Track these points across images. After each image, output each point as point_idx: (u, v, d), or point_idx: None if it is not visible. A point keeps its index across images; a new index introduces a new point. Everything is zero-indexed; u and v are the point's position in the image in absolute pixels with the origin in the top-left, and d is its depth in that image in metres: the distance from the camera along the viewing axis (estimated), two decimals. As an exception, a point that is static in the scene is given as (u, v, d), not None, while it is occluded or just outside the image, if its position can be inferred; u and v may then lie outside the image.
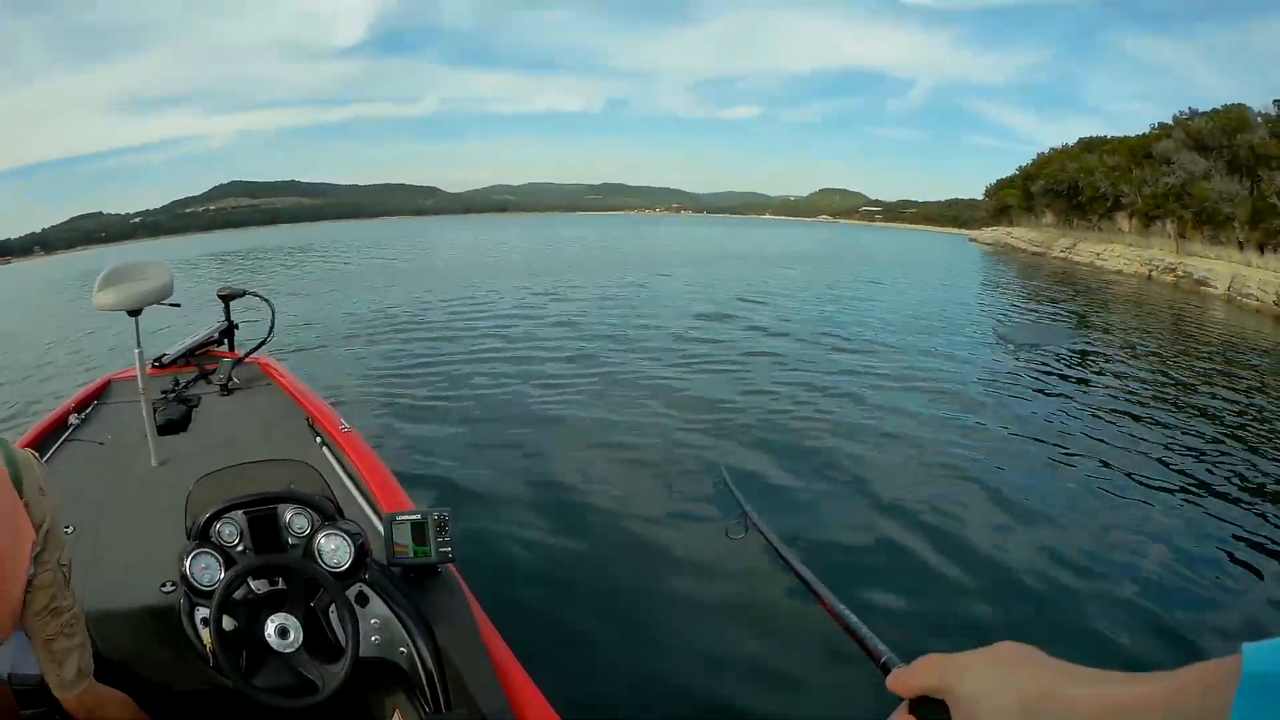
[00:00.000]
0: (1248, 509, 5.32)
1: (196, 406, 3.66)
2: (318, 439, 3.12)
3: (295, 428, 3.30)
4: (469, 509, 4.53)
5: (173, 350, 4.37)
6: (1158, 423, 7.73)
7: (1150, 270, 34.78)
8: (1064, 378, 9.86)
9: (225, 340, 4.63)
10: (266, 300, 4.66)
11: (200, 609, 1.72)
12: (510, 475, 5.27)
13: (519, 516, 4.61)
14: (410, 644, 1.79)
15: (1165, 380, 10.29)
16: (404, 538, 1.97)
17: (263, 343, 4.42)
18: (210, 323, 4.69)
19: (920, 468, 5.84)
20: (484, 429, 6.41)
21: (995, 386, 9.05)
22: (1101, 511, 5.19)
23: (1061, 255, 44.35)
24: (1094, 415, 7.86)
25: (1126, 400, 8.74)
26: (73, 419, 3.49)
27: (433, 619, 1.84)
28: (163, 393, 3.71)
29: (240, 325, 4.70)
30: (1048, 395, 8.75)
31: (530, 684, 1.81)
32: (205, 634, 1.68)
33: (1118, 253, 38.86)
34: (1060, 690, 0.43)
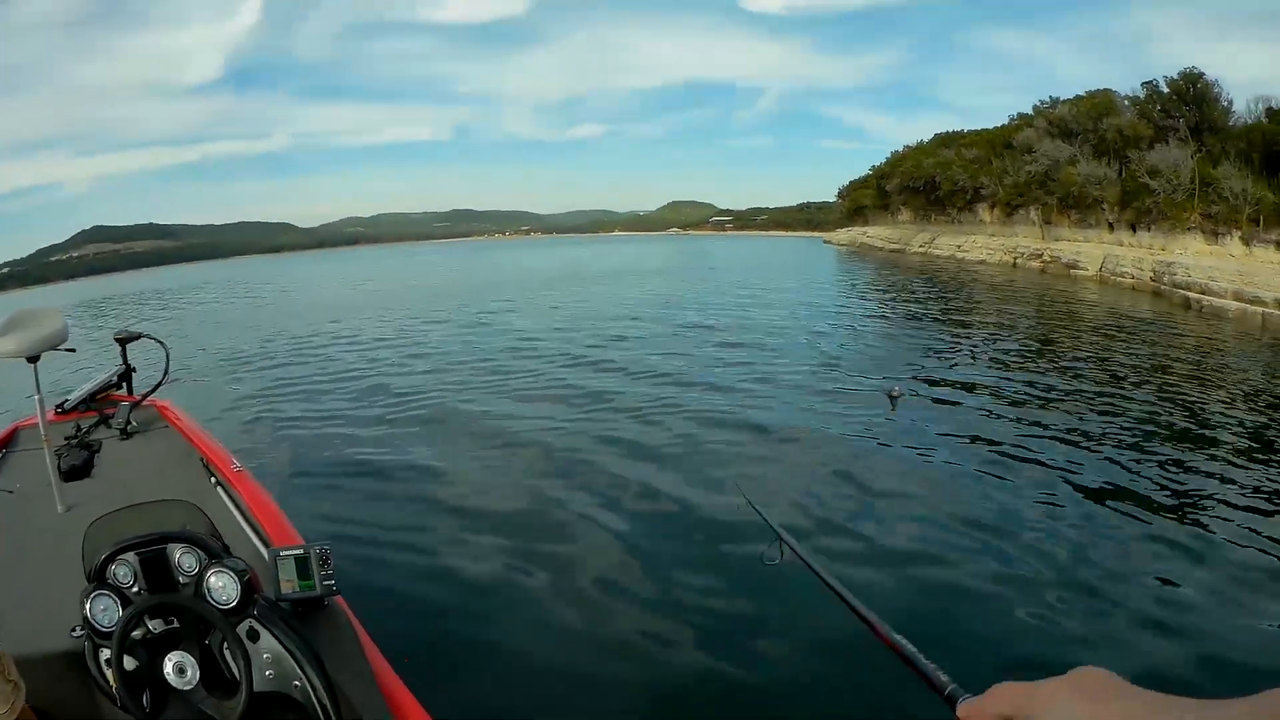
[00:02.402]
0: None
1: (99, 451, 3.71)
2: (212, 479, 3.20)
3: (191, 469, 3.39)
4: (362, 540, 4.69)
5: (74, 395, 4.36)
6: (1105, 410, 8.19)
7: (1015, 258, 35.37)
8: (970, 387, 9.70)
9: (124, 384, 4.60)
10: (161, 342, 4.47)
11: (104, 650, 1.75)
12: (403, 505, 5.40)
13: (413, 545, 4.68)
14: (303, 676, 1.79)
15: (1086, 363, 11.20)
16: (289, 573, 2.00)
17: (158, 385, 4.39)
18: (109, 367, 4.74)
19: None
20: (371, 460, 6.58)
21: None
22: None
23: (920, 250, 44.98)
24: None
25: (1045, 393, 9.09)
26: None
27: (322, 651, 1.86)
28: (65, 439, 3.75)
29: (137, 368, 4.64)
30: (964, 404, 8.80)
31: (418, 708, 1.92)
32: (110, 674, 1.72)
33: (980, 244, 39.56)
34: None
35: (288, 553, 2.01)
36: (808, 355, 11.82)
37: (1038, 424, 7.56)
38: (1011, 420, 7.73)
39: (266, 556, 2.27)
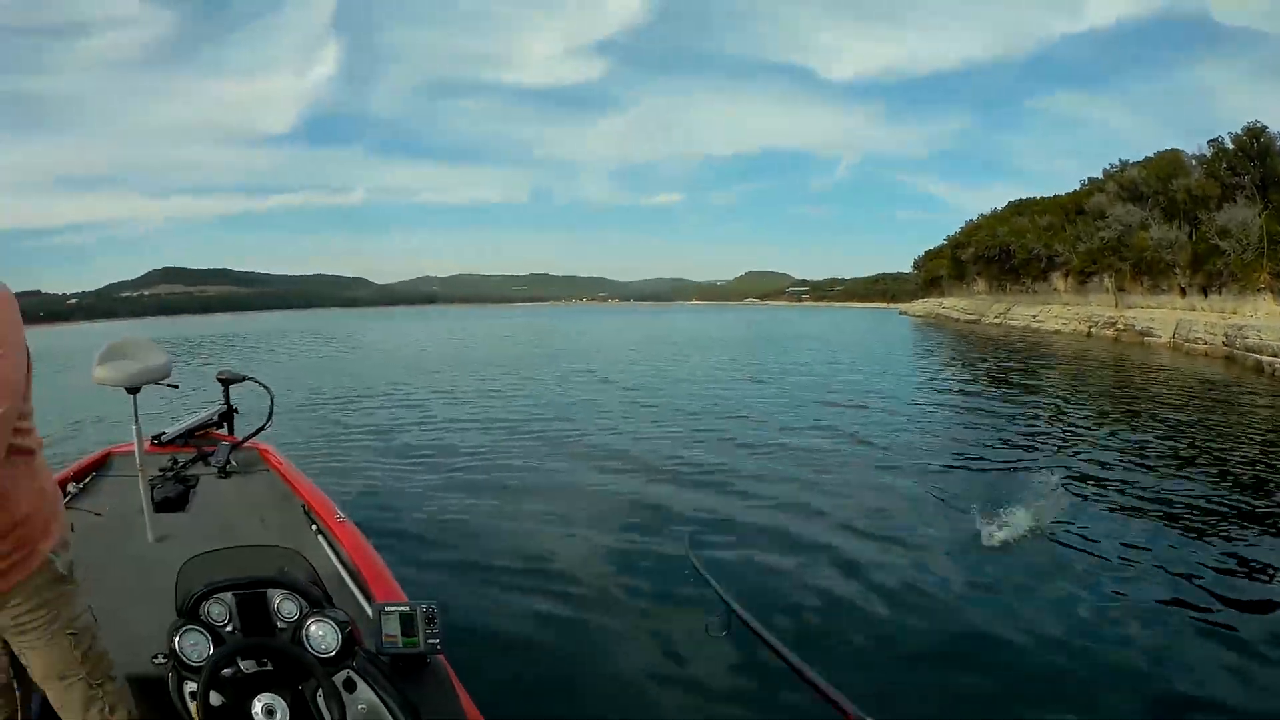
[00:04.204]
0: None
1: (194, 487, 3.73)
2: (313, 526, 3.18)
3: (291, 514, 3.37)
4: (463, 598, 4.68)
5: (171, 430, 4.31)
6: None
7: (1089, 327, 33.60)
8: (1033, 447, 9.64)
9: (224, 424, 4.56)
10: (266, 387, 4.51)
11: (189, 683, 1.77)
12: (509, 565, 5.33)
13: (514, 608, 4.62)
14: None
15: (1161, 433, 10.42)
16: (393, 628, 2.01)
17: (261, 428, 4.36)
18: (208, 406, 4.68)
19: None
20: (476, 517, 6.56)
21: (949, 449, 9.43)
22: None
23: (996, 321, 43.37)
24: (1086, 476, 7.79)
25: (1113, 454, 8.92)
26: (71, 487, 3.58)
27: (421, 707, 1.86)
28: (160, 470, 3.75)
29: (239, 410, 4.61)
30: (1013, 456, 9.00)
31: None
32: (193, 707, 1.74)
33: (1055, 313, 37.83)
34: None
35: (393, 608, 2.02)
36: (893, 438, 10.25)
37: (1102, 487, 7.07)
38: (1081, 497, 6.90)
39: (368, 609, 2.34)
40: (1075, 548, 5.51)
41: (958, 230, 57.06)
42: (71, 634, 1.64)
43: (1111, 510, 6.57)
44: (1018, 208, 47.66)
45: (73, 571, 1.66)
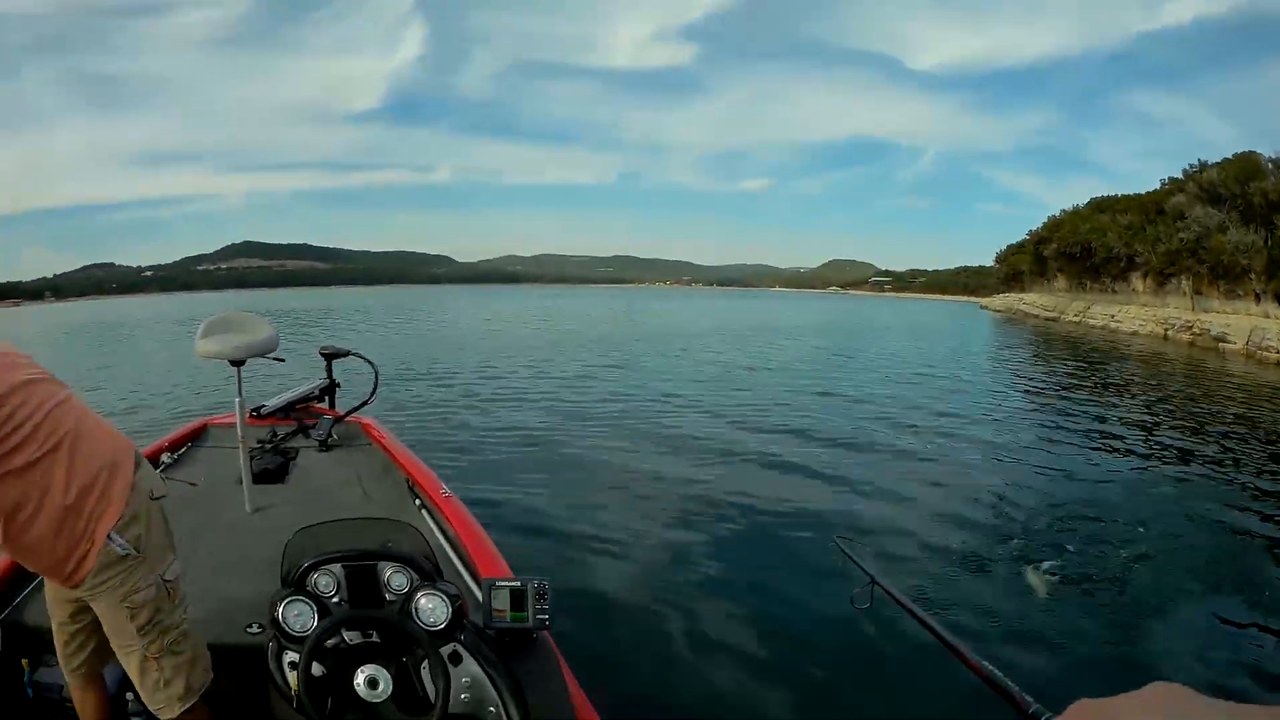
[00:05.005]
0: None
1: (294, 459, 3.70)
2: (416, 501, 3.15)
3: (394, 488, 3.34)
4: (569, 576, 4.60)
5: (271, 403, 4.35)
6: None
7: (1166, 330, 33.01)
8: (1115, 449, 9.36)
9: (325, 397, 4.61)
10: (370, 361, 4.42)
11: (289, 653, 1.76)
12: (612, 545, 5.26)
13: (620, 585, 4.57)
14: (500, 704, 1.79)
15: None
16: (502, 603, 2.00)
17: (365, 402, 4.32)
18: (311, 379, 4.71)
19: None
20: (584, 497, 6.49)
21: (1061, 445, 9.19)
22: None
23: (1075, 319, 42.59)
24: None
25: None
26: (165, 457, 3.55)
27: (525, 682, 1.85)
28: (259, 442, 3.72)
29: (341, 384, 4.69)
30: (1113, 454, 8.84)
31: None
32: (292, 677, 1.73)
33: (1133, 314, 37.08)
34: None
35: (503, 584, 1.99)
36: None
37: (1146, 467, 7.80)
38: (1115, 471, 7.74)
39: (474, 585, 2.34)
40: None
41: (1040, 225, 55.74)
42: (128, 607, 1.61)
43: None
44: (1099, 205, 46.29)
45: (140, 546, 1.62)
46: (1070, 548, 5.22)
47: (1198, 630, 4.04)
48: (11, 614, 2.11)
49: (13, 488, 1.48)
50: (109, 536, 1.57)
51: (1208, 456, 8.79)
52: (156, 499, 1.71)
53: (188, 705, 1.69)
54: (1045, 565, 4.80)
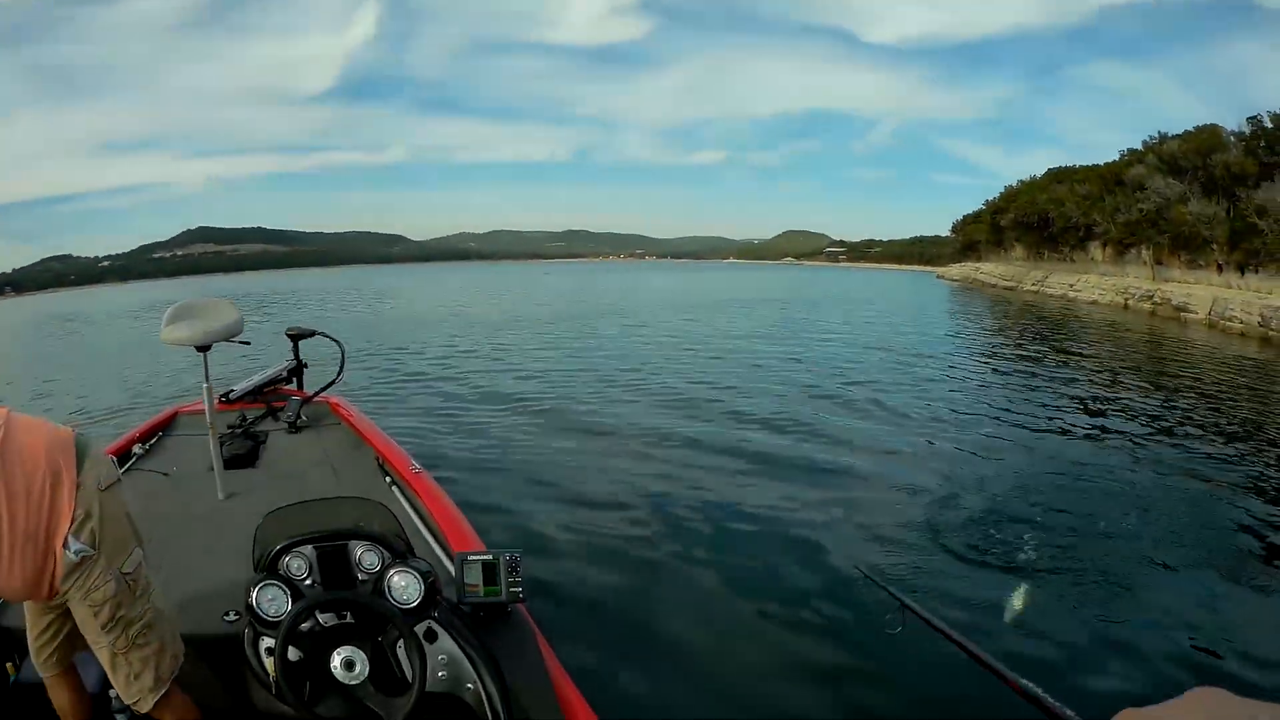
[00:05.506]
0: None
1: (264, 443, 3.67)
2: (387, 479, 3.14)
3: (364, 466, 3.32)
4: (544, 549, 4.59)
5: (240, 387, 4.31)
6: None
7: (1126, 299, 33.79)
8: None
9: (294, 379, 4.55)
10: (337, 341, 4.35)
11: (265, 639, 1.74)
12: (585, 516, 5.23)
13: (594, 558, 4.55)
14: (477, 680, 1.77)
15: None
16: (474, 578, 1.98)
17: (332, 382, 4.28)
18: (277, 361, 4.65)
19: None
20: (555, 468, 6.47)
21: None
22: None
23: (1033, 289, 43.40)
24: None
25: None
26: (137, 449, 3.54)
27: (501, 657, 1.83)
28: (229, 427, 3.70)
29: (308, 364, 4.60)
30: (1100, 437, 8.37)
31: (594, 717, 1.83)
32: (269, 663, 1.71)
33: (1092, 283, 37.89)
34: None
35: (475, 558, 1.98)
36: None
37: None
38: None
39: (447, 560, 2.31)
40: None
41: (997, 195, 56.63)
42: (89, 605, 1.60)
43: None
44: (1057, 175, 47.12)
45: (95, 542, 1.57)
46: (1063, 542, 4.93)
47: (1231, 625, 3.87)
48: None
49: None
50: (65, 544, 1.54)
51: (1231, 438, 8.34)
52: (106, 489, 1.64)
53: (159, 695, 1.68)
54: (1045, 566, 4.59)
